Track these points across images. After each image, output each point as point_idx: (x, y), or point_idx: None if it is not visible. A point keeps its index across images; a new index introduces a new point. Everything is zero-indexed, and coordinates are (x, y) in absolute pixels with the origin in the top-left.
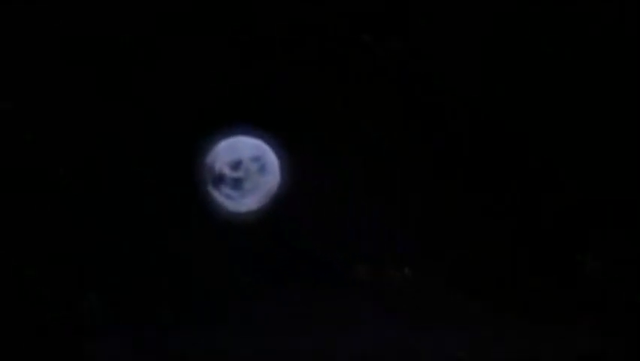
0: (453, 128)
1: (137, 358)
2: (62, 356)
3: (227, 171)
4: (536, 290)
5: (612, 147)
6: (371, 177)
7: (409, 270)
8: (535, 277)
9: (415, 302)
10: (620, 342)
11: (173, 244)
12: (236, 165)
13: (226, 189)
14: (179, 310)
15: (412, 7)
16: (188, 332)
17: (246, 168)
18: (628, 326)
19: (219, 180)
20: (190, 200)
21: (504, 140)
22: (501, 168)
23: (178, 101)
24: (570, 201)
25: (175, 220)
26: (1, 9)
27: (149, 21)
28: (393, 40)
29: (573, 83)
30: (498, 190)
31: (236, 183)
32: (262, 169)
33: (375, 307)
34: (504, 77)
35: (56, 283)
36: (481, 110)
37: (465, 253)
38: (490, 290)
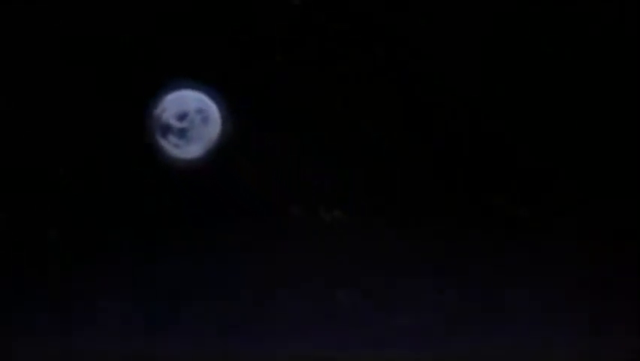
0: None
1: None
2: None
3: (173, 122)
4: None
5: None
6: (301, 124)
7: (338, 211)
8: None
9: (346, 241)
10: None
11: (125, 186)
12: (182, 116)
13: (173, 138)
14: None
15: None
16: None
17: (191, 119)
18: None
19: (167, 129)
20: (140, 148)
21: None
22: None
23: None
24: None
25: (127, 165)
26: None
27: None
28: None
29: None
30: (430, 134)
31: (182, 133)
32: (205, 120)
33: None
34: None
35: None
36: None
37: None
38: (419, 231)
